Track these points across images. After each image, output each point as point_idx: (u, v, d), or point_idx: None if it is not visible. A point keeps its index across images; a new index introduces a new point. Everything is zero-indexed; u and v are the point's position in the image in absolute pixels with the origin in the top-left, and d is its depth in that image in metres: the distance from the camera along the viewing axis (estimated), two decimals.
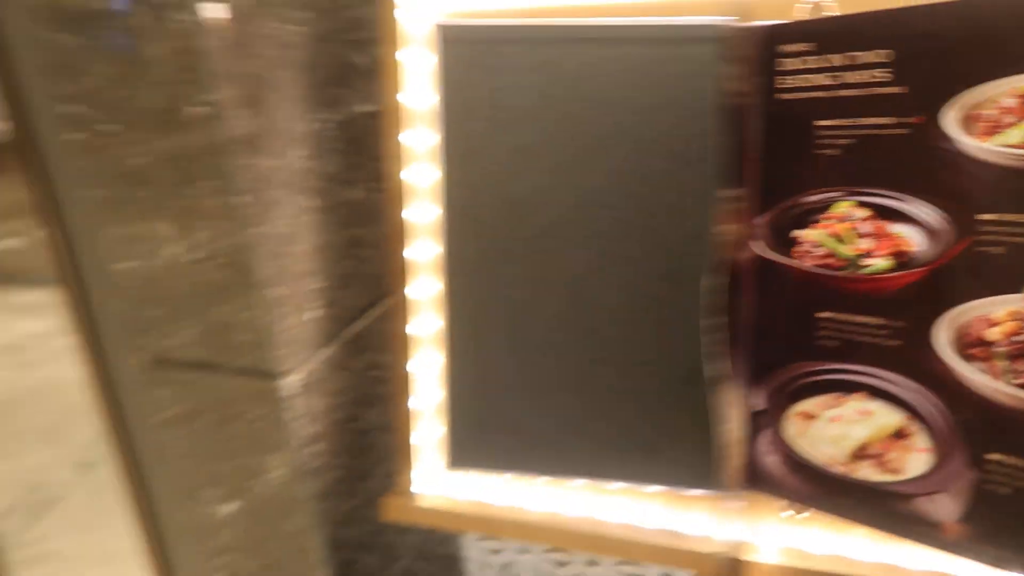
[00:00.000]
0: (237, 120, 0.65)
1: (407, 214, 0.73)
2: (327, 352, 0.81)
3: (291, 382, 0.75)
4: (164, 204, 0.70)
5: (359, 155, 0.84)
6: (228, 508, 0.83)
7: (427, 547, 1.12)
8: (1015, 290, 0.52)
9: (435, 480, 0.78)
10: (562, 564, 1.13)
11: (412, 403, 0.77)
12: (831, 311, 0.60)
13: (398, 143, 0.71)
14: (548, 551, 1.13)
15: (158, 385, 0.79)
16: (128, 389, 0.82)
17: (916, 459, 0.59)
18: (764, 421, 0.65)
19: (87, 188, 0.73)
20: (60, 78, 0.67)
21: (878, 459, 0.60)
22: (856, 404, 0.61)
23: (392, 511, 0.77)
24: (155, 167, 0.68)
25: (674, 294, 0.66)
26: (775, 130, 0.60)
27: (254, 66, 0.67)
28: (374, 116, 0.86)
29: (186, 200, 0.69)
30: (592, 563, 1.12)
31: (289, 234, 0.74)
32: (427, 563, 1.13)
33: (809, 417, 0.63)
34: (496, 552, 1.17)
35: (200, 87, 0.63)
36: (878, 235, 0.57)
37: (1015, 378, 0.53)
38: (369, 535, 0.92)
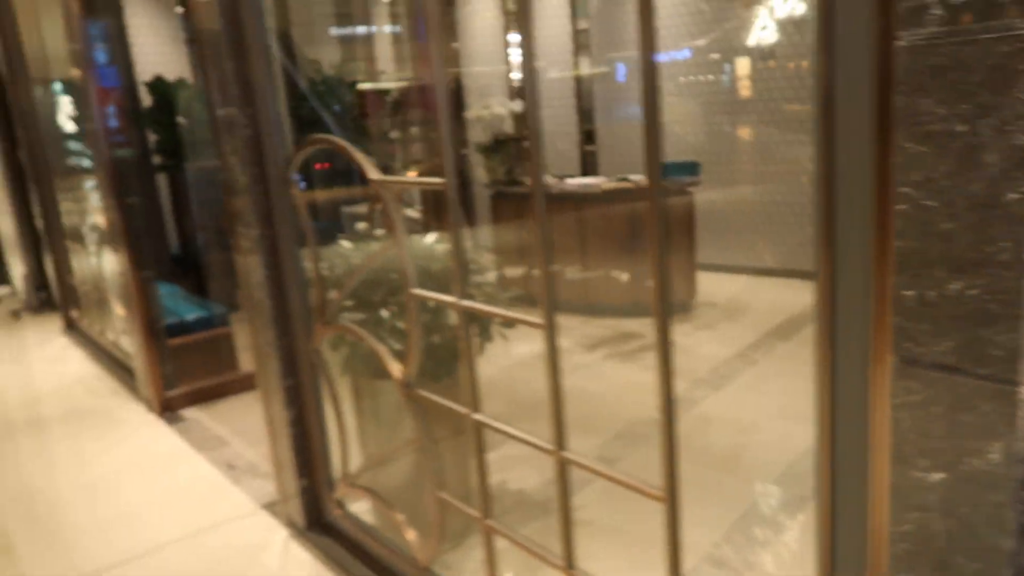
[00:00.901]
0: None
1: None
2: None
3: None
4: (954, 255, 1.05)
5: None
6: (935, 476, 1.15)
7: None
8: None
9: None
10: None
11: None
12: None
13: None
14: None
15: (903, 378, 1.15)
16: (874, 379, 1.19)
17: None
18: None
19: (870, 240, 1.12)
20: (904, 170, 1.07)
21: None
22: None
23: None
24: (959, 229, 1.04)
25: None
26: None
27: None
28: None
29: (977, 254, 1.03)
30: None
31: None
32: None
33: None
34: None
35: (1019, 183, 0.97)
36: None
37: None
38: None
